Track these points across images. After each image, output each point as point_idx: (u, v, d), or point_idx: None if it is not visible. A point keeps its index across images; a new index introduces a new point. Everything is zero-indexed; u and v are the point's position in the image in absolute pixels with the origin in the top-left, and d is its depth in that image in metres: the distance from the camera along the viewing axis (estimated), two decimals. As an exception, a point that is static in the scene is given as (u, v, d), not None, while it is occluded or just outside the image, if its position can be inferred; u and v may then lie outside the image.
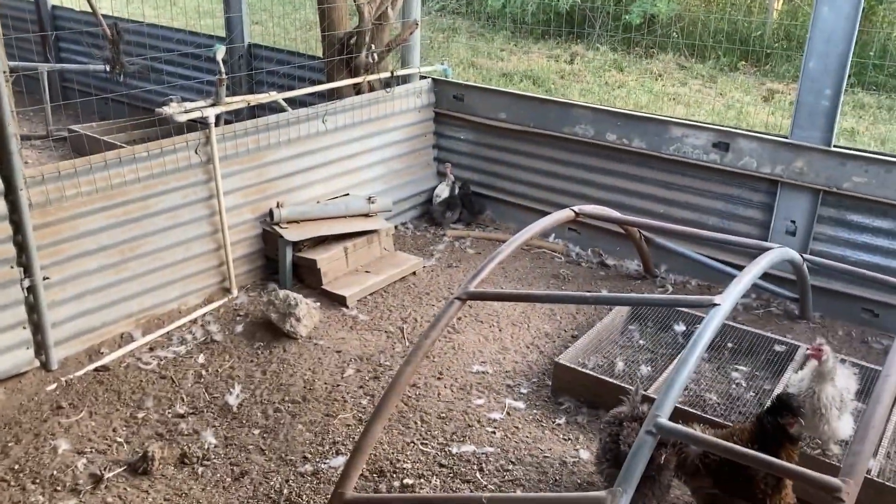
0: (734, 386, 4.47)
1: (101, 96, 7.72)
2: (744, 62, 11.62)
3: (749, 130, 5.55)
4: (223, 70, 5.08)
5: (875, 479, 3.52)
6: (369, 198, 5.89)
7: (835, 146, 5.08)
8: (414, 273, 5.86)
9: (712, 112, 9.37)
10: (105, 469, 3.79)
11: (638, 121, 5.82)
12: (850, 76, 5.02)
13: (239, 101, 5.25)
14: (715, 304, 3.41)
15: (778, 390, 4.23)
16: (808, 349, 3.82)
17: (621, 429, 3.40)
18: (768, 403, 3.39)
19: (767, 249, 4.16)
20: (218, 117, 5.12)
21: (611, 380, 4.28)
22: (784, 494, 3.30)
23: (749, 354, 4.72)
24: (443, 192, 6.67)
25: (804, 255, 4.70)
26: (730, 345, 4.78)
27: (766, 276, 5.22)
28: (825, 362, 3.69)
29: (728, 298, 3.44)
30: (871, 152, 5.21)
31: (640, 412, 3.44)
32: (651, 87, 10.63)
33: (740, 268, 5.34)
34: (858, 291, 5.20)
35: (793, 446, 3.25)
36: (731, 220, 5.59)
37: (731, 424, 3.78)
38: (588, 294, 3.59)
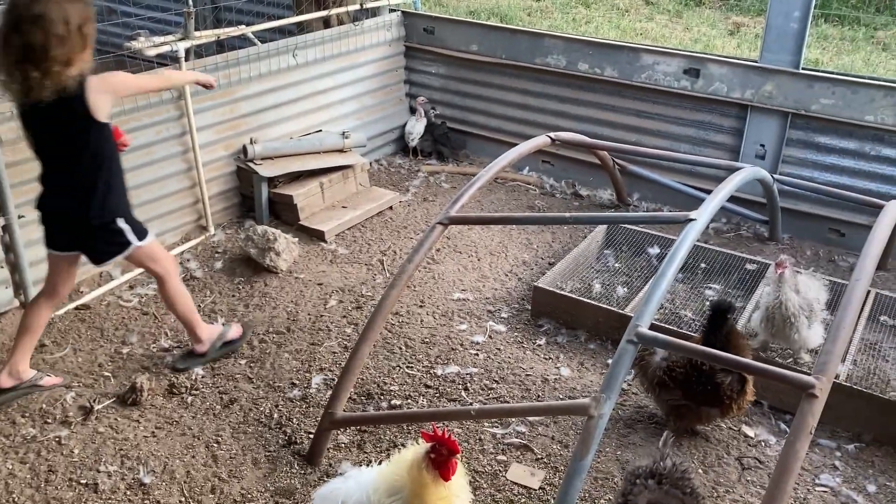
0: (708, 303, 4.60)
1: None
2: (709, -4, 11.63)
3: (719, 55, 5.60)
4: (191, 2, 4.97)
5: (843, 383, 3.67)
6: (343, 133, 5.86)
7: (803, 68, 5.16)
8: (391, 208, 5.89)
9: (679, 46, 9.39)
10: (94, 401, 3.81)
11: (609, 49, 5.83)
12: (815, 6, 5.07)
13: (209, 35, 5.15)
14: (691, 220, 3.50)
15: (750, 306, 4.37)
16: (775, 264, 3.96)
17: (633, 487, 2.78)
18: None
19: (739, 169, 4.25)
20: (188, 51, 5.03)
21: (588, 300, 4.39)
22: (746, 393, 3.48)
23: (722, 274, 4.86)
24: (414, 127, 6.64)
25: (774, 175, 4.80)
26: (703, 265, 4.91)
27: (735, 199, 5.34)
28: (783, 273, 3.85)
29: (703, 213, 3.52)
30: (837, 73, 5.30)
31: (662, 467, 2.80)
32: (618, 22, 10.62)
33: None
34: (825, 212, 5.34)
35: (744, 343, 3.52)
36: (702, 147, 5.68)
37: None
38: (567, 214, 3.65)
